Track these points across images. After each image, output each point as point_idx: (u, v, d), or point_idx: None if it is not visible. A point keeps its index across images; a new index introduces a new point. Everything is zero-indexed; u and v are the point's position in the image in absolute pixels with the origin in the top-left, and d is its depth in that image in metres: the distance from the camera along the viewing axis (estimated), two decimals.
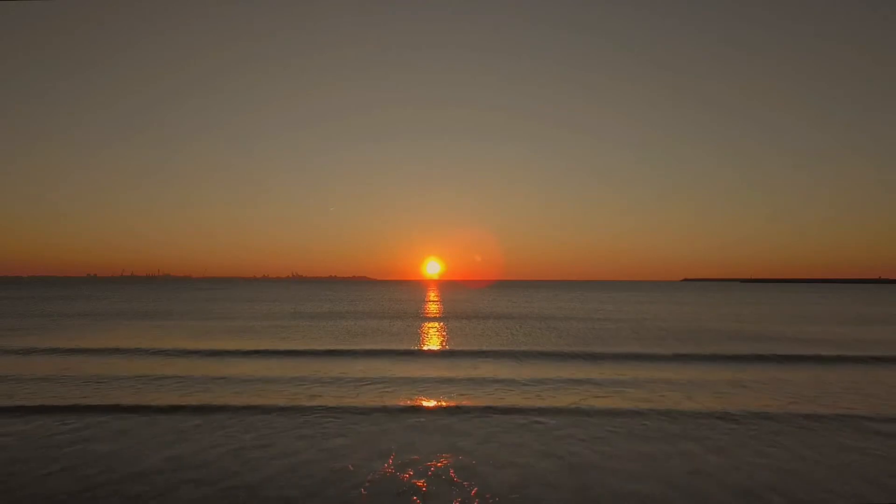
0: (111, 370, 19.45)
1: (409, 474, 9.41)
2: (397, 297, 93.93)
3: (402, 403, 14.55)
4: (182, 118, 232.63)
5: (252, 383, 17.29)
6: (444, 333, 32.53)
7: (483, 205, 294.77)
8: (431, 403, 14.65)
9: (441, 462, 10.06)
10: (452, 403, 14.61)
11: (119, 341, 27.07)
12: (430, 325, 38.89)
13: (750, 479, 9.22)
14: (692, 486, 8.96)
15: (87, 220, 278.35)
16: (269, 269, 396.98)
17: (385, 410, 13.91)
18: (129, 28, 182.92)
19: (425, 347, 26.11)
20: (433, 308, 59.55)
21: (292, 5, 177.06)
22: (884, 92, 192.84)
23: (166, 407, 14.07)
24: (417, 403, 14.58)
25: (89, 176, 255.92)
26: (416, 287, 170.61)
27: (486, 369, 19.99)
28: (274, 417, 13.22)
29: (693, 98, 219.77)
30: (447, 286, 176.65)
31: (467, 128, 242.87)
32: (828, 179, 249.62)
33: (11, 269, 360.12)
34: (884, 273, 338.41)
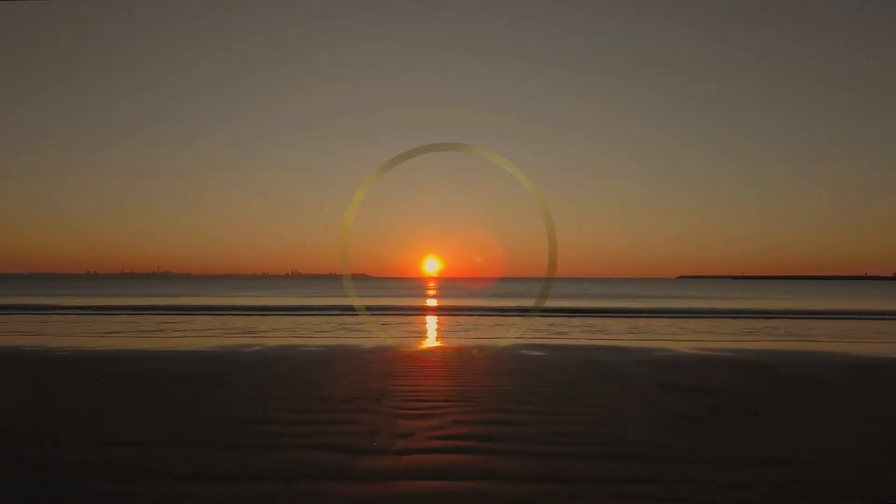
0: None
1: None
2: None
3: None
4: (182, 118, 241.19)
5: None
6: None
7: (483, 204, 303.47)
8: None
9: None
10: None
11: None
12: None
13: None
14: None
15: (88, 219, 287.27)
16: (269, 267, 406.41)
17: None
18: (129, 28, 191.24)
19: None
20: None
21: (292, 5, 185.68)
22: (882, 92, 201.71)
23: None
24: None
25: (89, 176, 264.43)
26: (421, 284, 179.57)
27: None
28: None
29: (692, 98, 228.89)
30: (449, 284, 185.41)
31: (466, 128, 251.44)
32: (821, 179, 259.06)
33: (11, 268, 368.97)
34: (869, 270, 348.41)
